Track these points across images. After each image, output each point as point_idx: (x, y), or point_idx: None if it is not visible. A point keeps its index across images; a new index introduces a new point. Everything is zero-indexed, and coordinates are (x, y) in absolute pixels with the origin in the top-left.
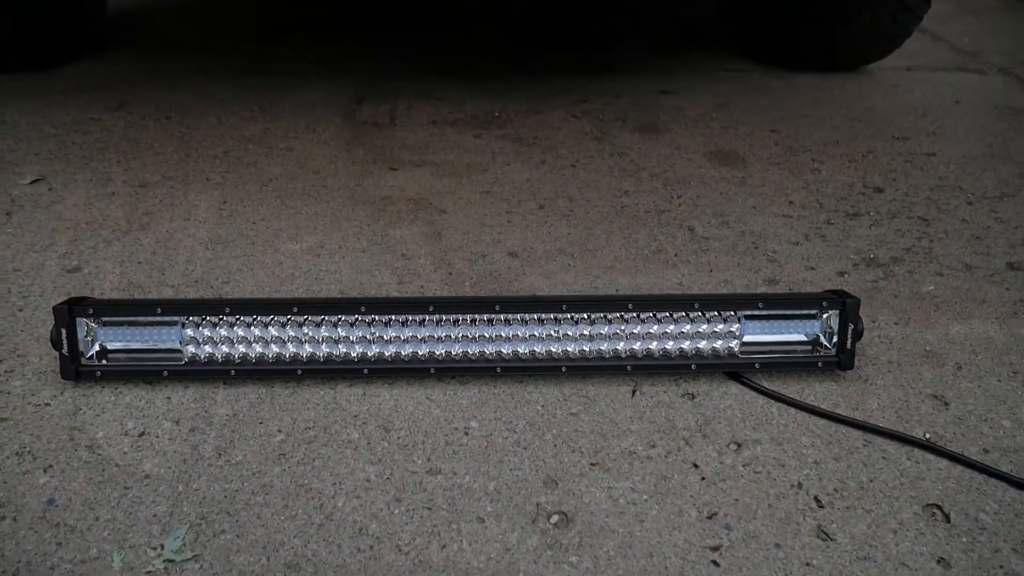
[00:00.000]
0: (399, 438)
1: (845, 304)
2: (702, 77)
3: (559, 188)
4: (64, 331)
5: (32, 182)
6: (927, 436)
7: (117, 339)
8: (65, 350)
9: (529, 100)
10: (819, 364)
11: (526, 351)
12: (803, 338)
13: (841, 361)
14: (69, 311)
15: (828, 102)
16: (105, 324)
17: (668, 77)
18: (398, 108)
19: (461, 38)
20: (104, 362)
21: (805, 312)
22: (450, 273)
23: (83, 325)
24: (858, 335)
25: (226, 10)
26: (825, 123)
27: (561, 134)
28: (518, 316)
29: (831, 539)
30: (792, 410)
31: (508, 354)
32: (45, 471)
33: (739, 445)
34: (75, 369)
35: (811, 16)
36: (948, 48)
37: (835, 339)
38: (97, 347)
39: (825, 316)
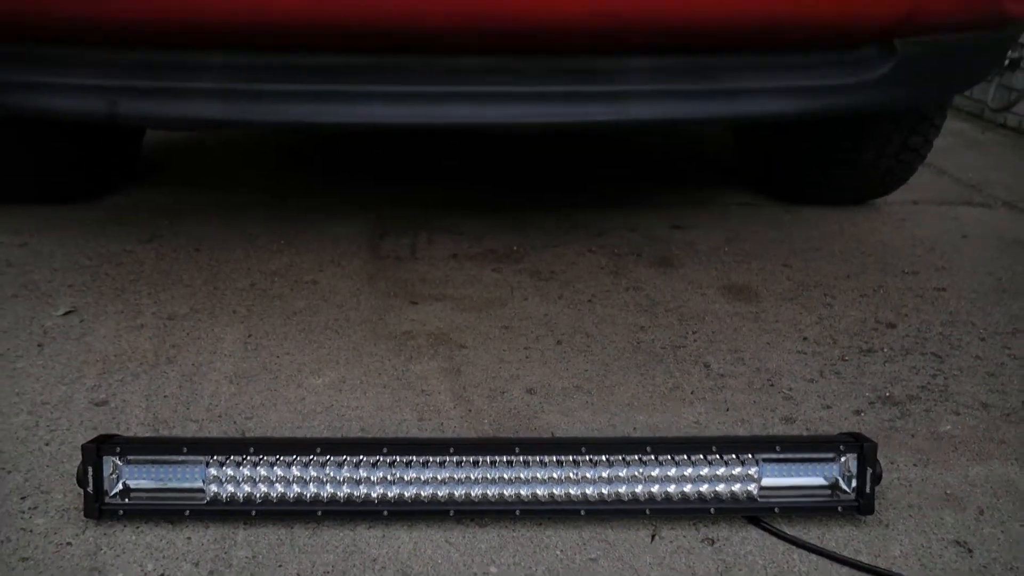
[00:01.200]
0: None
1: (863, 448)
2: (713, 211)
3: (576, 323)
4: (91, 469)
5: (64, 313)
6: None
7: (141, 477)
8: (90, 488)
9: (546, 234)
10: (839, 508)
11: (545, 494)
12: (822, 482)
13: (861, 506)
14: (97, 450)
15: (838, 236)
16: (130, 462)
17: (680, 211)
18: (419, 242)
19: (480, 173)
20: (127, 500)
21: (823, 455)
22: (469, 410)
23: (109, 463)
24: (877, 478)
25: (256, 147)
26: (836, 257)
27: (578, 268)
28: (537, 459)
29: None
30: (814, 556)
31: (527, 496)
32: None
33: None
34: (98, 508)
35: (819, 153)
36: (953, 182)
37: (854, 483)
38: (121, 485)
39: (843, 459)
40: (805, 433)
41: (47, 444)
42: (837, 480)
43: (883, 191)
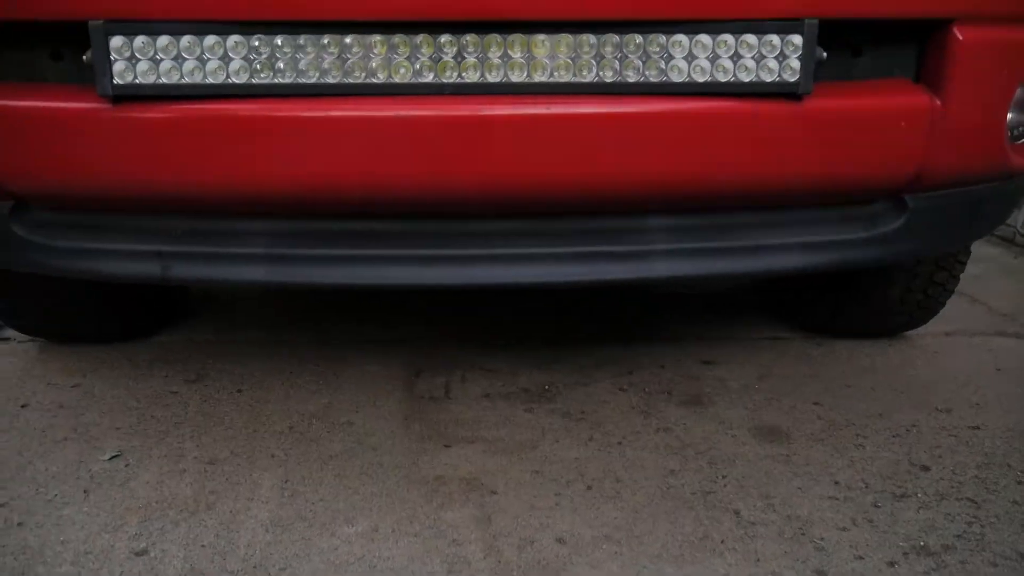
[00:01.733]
0: None
1: None
2: (743, 346)
3: (606, 467)
4: None
5: (111, 458)
6: None
7: None
8: None
9: (577, 371)
10: None
11: None
12: None
13: None
14: None
15: (869, 371)
16: None
17: (710, 346)
18: (452, 381)
19: (512, 310)
20: None
21: None
22: (499, 561)
23: None
24: None
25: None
26: (867, 394)
27: (608, 408)
28: None
29: None
30: None
31: None
32: None
33: None
34: None
35: (846, 290)
36: (986, 311)
37: None
38: None
39: None
40: None
41: None
42: None
43: (914, 324)
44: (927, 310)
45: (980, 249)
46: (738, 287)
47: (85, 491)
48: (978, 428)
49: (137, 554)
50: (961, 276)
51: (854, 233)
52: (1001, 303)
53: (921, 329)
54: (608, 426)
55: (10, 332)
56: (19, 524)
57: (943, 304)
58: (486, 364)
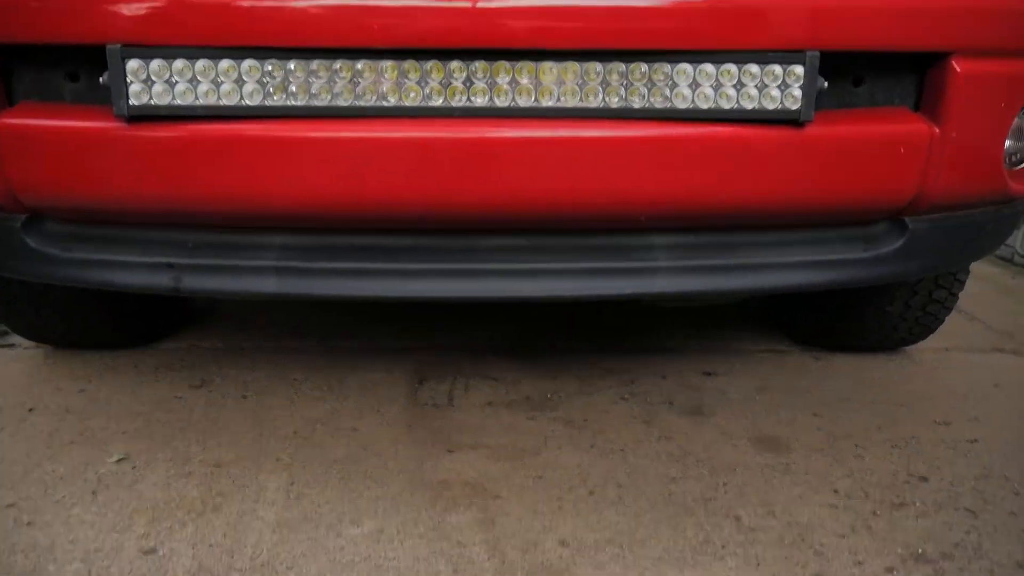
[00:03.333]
0: None
1: None
2: (743, 358)
3: (608, 473)
4: None
5: (118, 460)
6: None
7: None
8: None
9: (580, 380)
10: None
11: None
12: None
13: None
14: None
15: (868, 385)
16: None
17: (710, 358)
18: (456, 388)
19: (515, 321)
20: None
21: None
22: (503, 562)
23: None
24: None
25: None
26: (866, 407)
27: (610, 417)
28: None
29: None
30: None
31: None
32: None
33: None
34: None
35: (845, 306)
36: (984, 328)
37: None
38: None
39: None
40: None
41: None
42: None
43: (912, 340)
44: (925, 327)
45: (979, 268)
46: (738, 300)
47: (93, 492)
48: (976, 441)
49: (146, 553)
50: (960, 294)
51: (855, 253)
52: (999, 321)
53: (920, 344)
54: (610, 434)
55: (16, 338)
56: (28, 524)
57: (942, 321)
58: (489, 372)
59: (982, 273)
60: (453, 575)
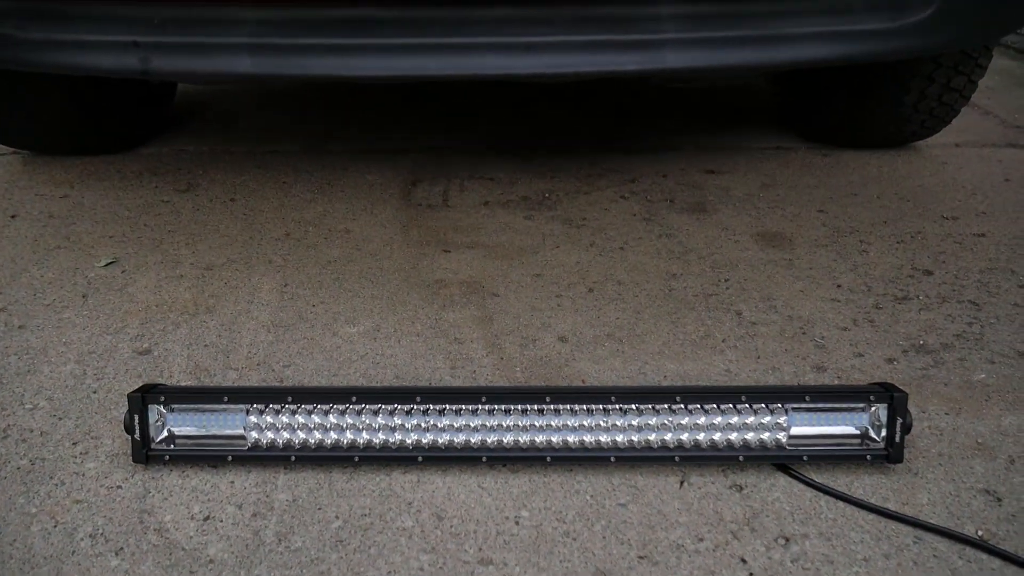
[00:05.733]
0: (452, 527)
1: (893, 398)
2: (748, 156)
3: (608, 271)
4: (137, 417)
5: (106, 264)
6: (979, 534)
7: (185, 424)
8: (137, 435)
9: (579, 180)
10: (868, 457)
11: (575, 441)
12: (852, 431)
13: (890, 455)
14: (142, 399)
15: (876, 180)
16: (174, 410)
17: (714, 156)
18: (451, 189)
19: (513, 117)
20: (172, 447)
21: (853, 405)
22: (501, 358)
23: (154, 411)
24: (907, 428)
25: (291, 94)
26: (873, 202)
27: (610, 215)
28: (568, 407)
29: None
30: (841, 504)
31: (558, 444)
32: (116, 554)
33: (787, 540)
34: (145, 454)
35: (858, 96)
36: (998, 123)
37: (884, 432)
38: (166, 432)
39: (873, 409)
40: (836, 382)
41: (95, 392)
42: (867, 429)
43: (925, 133)
44: (940, 119)
45: (996, 61)
46: (741, 88)
47: (83, 296)
48: (983, 235)
49: (141, 353)
50: (972, 95)
51: (880, 23)
52: (1014, 115)
53: (931, 140)
54: (610, 232)
55: None
56: (20, 327)
57: (957, 112)
58: (485, 173)
59: (999, 66)
60: (451, 371)
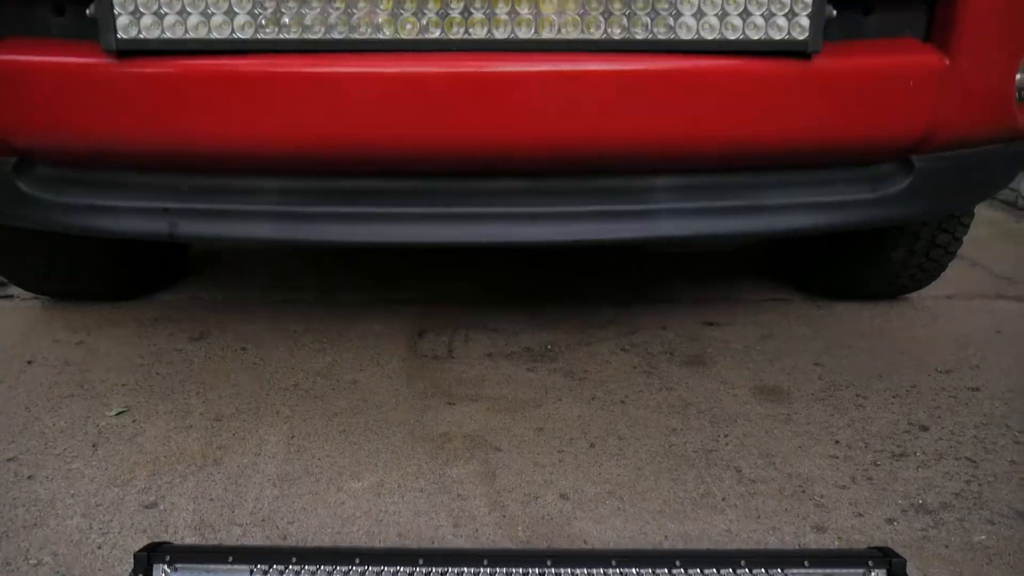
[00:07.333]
0: None
1: (891, 564)
2: (744, 307)
3: (609, 425)
4: None
5: (118, 413)
6: None
7: None
8: None
9: (580, 331)
10: None
11: None
12: None
13: None
14: (148, 558)
15: (869, 333)
16: (179, 570)
17: (712, 307)
18: (456, 340)
19: (516, 268)
20: None
21: (852, 571)
22: (503, 516)
23: (159, 571)
24: None
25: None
26: (867, 355)
27: (611, 368)
28: (569, 570)
29: None
30: None
31: None
32: None
33: None
34: None
35: (848, 252)
36: (987, 274)
37: None
38: None
39: (872, 574)
40: (836, 544)
41: (99, 548)
42: None
43: (915, 286)
44: (928, 273)
45: (982, 213)
46: (738, 246)
47: (93, 445)
48: (977, 389)
49: (147, 507)
50: (963, 239)
51: (860, 194)
52: (1002, 267)
53: (923, 292)
54: (611, 385)
55: (14, 289)
56: (29, 477)
57: (944, 267)
58: (489, 323)
59: (985, 218)
60: (454, 529)
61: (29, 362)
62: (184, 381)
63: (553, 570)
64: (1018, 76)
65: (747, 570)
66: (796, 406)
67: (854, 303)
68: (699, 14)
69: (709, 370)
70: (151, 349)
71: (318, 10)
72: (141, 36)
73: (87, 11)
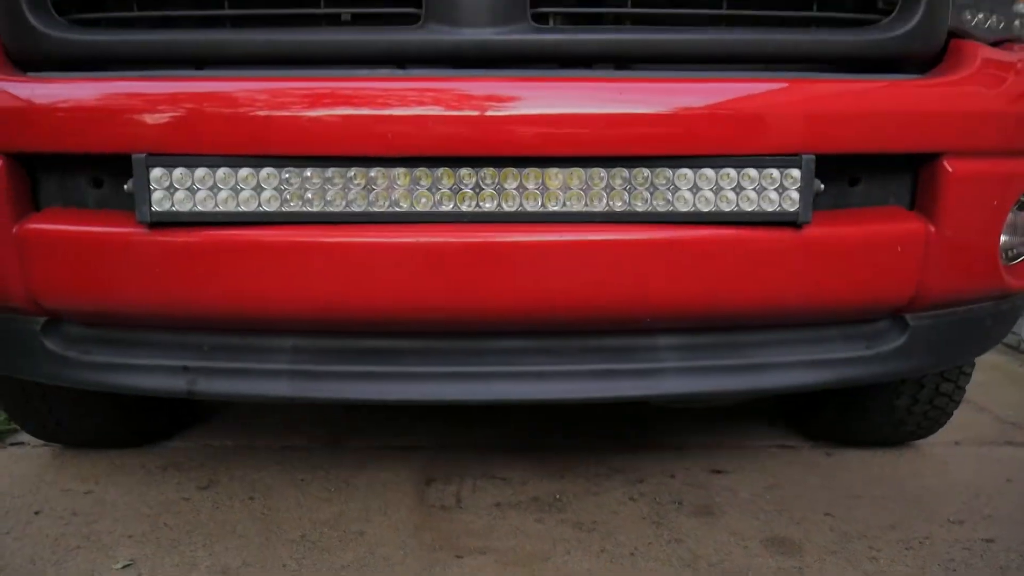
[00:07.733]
0: None
1: None
2: (752, 455)
3: None
4: None
5: (123, 567)
6: None
7: None
8: None
9: (587, 480)
10: None
11: None
12: None
13: None
14: None
15: (879, 481)
16: None
17: (719, 454)
18: (464, 489)
19: (522, 420)
20: None
21: None
22: None
23: None
24: None
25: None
26: (878, 504)
27: (619, 518)
28: None
29: None
30: None
31: None
32: None
33: None
34: None
35: (853, 401)
36: (993, 419)
37: None
38: None
39: None
40: None
41: None
42: None
43: (922, 433)
44: (934, 420)
45: (985, 357)
46: (744, 399)
47: None
48: (992, 541)
49: None
50: (967, 385)
51: (857, 351)
52: (1007, 411)
53: (931, 438)
54: (619, 537)
55: (25, 436)
56: None
57: (950, 415)
58: (497, 472)
59: (989, 362)
60: None
61: (37, 512)
62: (191, 532)
63: None
64: (1002, 239)
65: None
66: (808, 559)
67: (863, 450)
68: (695, 188)
69: (718, 520)
70: (159, 499)
71: (339, 186)
72: (174, 209)
73: (125, 187)
